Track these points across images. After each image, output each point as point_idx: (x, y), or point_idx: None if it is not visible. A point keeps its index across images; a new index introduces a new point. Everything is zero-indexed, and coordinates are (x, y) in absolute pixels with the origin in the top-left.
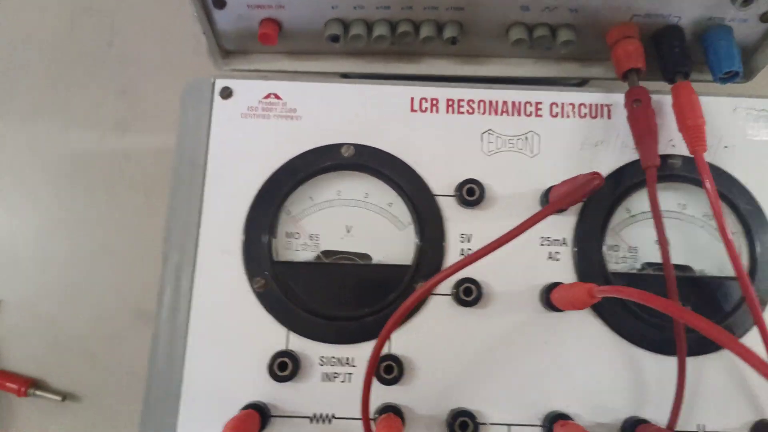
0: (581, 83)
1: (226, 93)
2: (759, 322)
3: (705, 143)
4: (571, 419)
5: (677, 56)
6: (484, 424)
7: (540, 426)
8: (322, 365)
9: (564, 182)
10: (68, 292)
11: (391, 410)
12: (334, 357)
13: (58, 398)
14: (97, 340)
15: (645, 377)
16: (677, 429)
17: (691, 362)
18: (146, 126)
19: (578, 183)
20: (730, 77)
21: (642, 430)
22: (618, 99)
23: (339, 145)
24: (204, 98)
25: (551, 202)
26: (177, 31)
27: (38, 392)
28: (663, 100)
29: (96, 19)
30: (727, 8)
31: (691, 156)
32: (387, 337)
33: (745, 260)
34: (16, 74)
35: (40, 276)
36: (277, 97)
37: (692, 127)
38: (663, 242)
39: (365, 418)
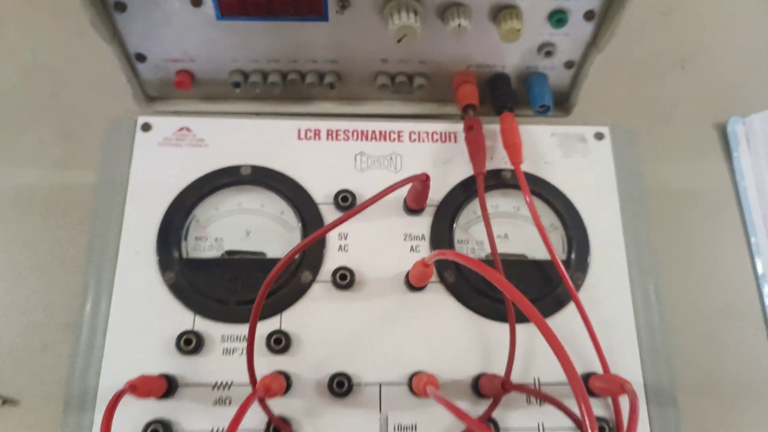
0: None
1: (146, 127)
2: (573, 295)
3: (521, 157)
4: None
5: (502, 95)
6: (358, 384)
7: (405, 384)
8: (223, 342)
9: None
10: (3, 305)
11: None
12: (233, 334)
13: None
14: (30, 350)
15: (490, 341)
16: (520, 382)
17: (526, 328)
18: (84, 164)
19: (414, 178)
20: (544, 111)
21: (483, 379)
22: (461, 128)
23: (239, 166)
24: (128, 131)
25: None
26: (116, 84)
27: None
28: (496, 128)
29: (45, 74)
30: (538, 59)
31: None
32: (259, 307)
33: (565, 248)
34: None
35: None
36: (188, 129)
37: (511, 145)
38: (489, 232)
39: (251, 369)
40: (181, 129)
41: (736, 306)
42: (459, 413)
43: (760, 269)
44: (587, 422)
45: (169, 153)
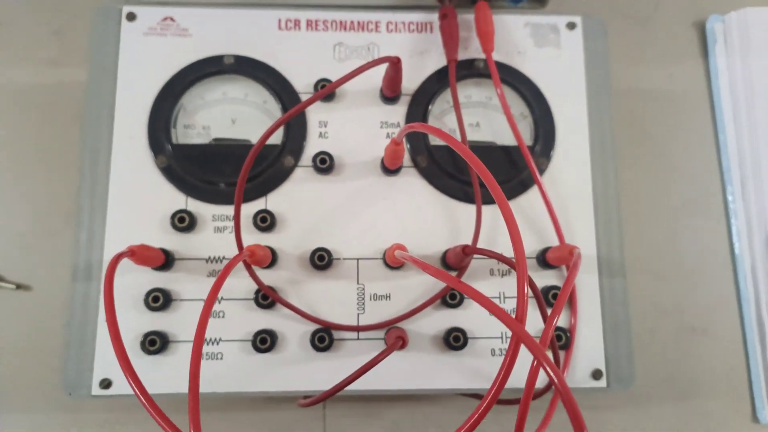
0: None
1: (131, 17)
2: (536, 179)
3: (492, 45)
4: None
5: None
6: (338, 258)
7: (380, 258)
8: (214, 221)
9: None
10: (8, 198)
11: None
12: (222, 214)
13: (12, 287)
14: (38, 237)
15: (458, 220)
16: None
17: (491, 209)
18: (76, 62)
19: (386, 59)
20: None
21: (449, 251)
22: (437, 18)
23: (222, 56)
24: (113, 21)
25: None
26: None
27: None
28: (471, 19)
29: None
30: None
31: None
32: (245, 176)
33: (532, 136)
34: None
35: None
36: (172, 19)
37: (483, 32)
38: (459, 116)
39: (238, 238)
40: (165, 19)
41: (699, 200)
42: (423, 265)
43: (725, 165)
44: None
45: (155, 43)
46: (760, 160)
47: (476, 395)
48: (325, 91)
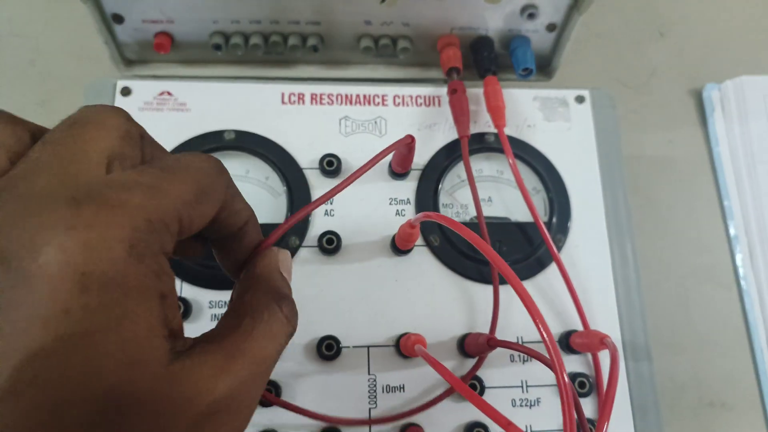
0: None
1: (126, 91)
2: (554, 256)
3: (504, 120)
4: None
5: (486, 59)
6: (347, 347)
7: (392, 346)
8: (211, 308)
9: None
10: None
11: None
12: (221, 300)
13: None
14: None
15: (474, 303)
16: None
17: (509, 289)
18: None
19: (399, 143)
20: (527, 74)
21: (469, 338)
22: (445, 91)
23: (222, 131)
24: (106, 96)
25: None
26: (96, 49)
27: None
28: (480, 92)
29: (20, 42)
30: (521, 22)
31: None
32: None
33: (547, 211)
34: None
35: None
36: (169, 94)
37: (494, 107)
38: (475, 195)
39: None
40: (162, 93)
41: (709, 268)
42: (444, 372)
43: (732, 232)
44: (557, 366)
45: (151, 118)
46: (766, 226)
47: None
48: (343, 185)
